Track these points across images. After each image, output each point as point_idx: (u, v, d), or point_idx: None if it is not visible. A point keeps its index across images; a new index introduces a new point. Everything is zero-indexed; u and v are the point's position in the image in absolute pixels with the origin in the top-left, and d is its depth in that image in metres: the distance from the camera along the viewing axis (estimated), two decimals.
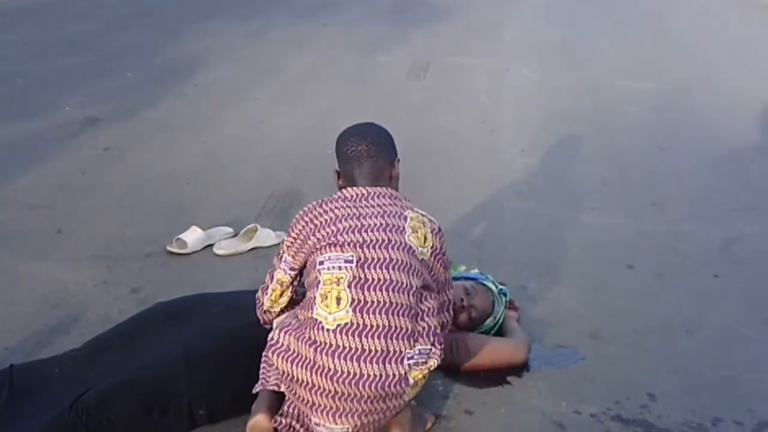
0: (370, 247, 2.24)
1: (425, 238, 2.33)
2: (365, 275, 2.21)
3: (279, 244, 3.51)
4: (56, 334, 2.89)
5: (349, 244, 2.24)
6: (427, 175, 4.39)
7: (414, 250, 2.29)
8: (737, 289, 3.30)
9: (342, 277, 2.21)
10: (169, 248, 3.52)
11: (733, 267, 3.47)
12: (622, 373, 2.73)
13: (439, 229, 2.42)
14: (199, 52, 6.84)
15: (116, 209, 3.94)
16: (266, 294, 2.44)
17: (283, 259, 2.41)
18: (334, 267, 2.22)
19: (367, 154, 2.38)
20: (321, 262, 2.25)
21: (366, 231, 2.27)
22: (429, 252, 2.34)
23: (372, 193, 2.36)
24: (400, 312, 2.20)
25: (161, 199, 4.05)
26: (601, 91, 6.04)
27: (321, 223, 2.31)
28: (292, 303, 2.44)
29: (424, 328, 2.24)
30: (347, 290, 2.19)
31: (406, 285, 2.23)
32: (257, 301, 2.48)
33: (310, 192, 4.06)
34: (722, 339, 2.94)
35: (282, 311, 2.45)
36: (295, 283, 2.43)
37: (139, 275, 3.34)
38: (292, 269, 2.39)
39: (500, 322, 2.87)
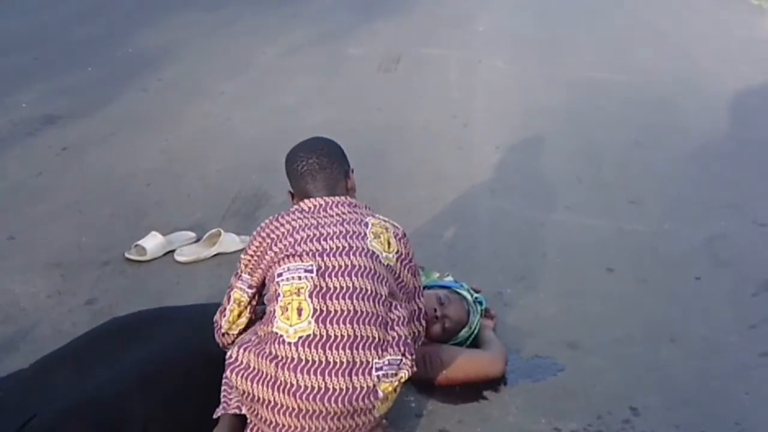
0: (331, 255, 2.14)
1: (389, 243, 2.24)
2: (327, 284, 2.11)
3: (242, 250, 3.38)
4: (5, 351, 2.72)
5: (307, 254, 2.14)
6: (399, 173, 4.25)
7: (378, 256, 2.19)
8: (721, 292, 3.17)
9: (302, 287, 2.10)
10: (127, 255, 3.35)
11: (715, 269, 3.35)
12: (603, 385, 2.60)
13: (404, 234, 2.32)
14: (163, 45, 6.62)
15: (73, 213, 3.76)
16: (224, 316, 2.30)
17: (240, 277, 2.28)
18: (293, 278, 2.12)
19: (320, 166, 2.31)
20: (279, 274, 2.14)
21: (325, 239, 2.17)
22: (394, 257, 2.24)
23: (330, 203, 2.27)
24: (367, 321, 2.08)
25: (120, 202, 3.87)
26: (575, 84, 5.90)
27: (278, 236, 2.21)
28: (252, 324, 2.30)
29: (393, 338, 2.13)
30: (308, 300, 2.08)
31: (371, 292, 2.12)
32: (215, 324, 2.34)
33: (276, 193, 3.89)
34: (707, 347, 2.82)
35: (241, 333, 2.30)
36: (254, 302, 2.30)
37: (95, 285, 3.17)
38: (250, 287, 2.27)
39: (475, 332, 2.73)
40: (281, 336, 2.06)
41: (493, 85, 5.85)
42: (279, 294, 2.11)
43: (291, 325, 2.06)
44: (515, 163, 4.42)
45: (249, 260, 2.26)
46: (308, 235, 2.18)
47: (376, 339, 2.09)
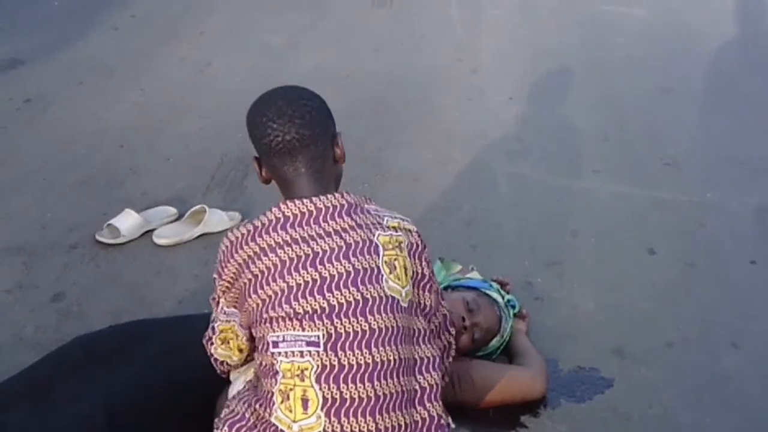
0: (342, 315, 1.59)
1: (405, 270, 1.68)
2: (339, 360, 1.58)
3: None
4: None
5: (311, 317, 1.59)
6: (402, 130, 3.79)
7: (397, 301, 1.65)
8: None
9: (306, 368, 1.57)
10: (98, 237, 2.93)
11: None
12: (660, 406, 2.22)
13: (419, 244, 1.76)
14: None
15: (37, 182, 3.33)
16: (212, 344, 1.84)
17: (222, 308, 1.78)
18: (293, 353, 1.59)
19: (301, 143, 1.69)
20: (275, 343, 1.61)
21: (330, 288, 1.61)
22: (412, 287, 1.70)
23: (323, 211, 1.67)
24: (392, 406, 1.60)
25: (90, 167, 3.43)
26: (588, 19, 5.37)
27: (263, 272, 1.63)
28: (252, 352, 1.83)
29: (424, 420, 1.65)
30: (315, 387, 1.57)
31: (395, 363, 1.61)
32: (207, 345, 1.87)
33: None
34: None
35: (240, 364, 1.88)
36: (249, 343, 1.80)
37: (62, 275, 2.76)
38: (241, 327, 1.76)
39: (507, 340, 2.34)
40: (282, 431, 1.58)
41: (499, 22, 5.32)
42: (277, 371, 1.60)
43: (294, 420, 1.56)
44: (532, 117, 3.96)
45: (227, 288, 1.72)
46: (306, 283, 1.61)
47: (402, 427, 1.62)
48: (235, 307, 1.74)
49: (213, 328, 1.82)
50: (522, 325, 2.43)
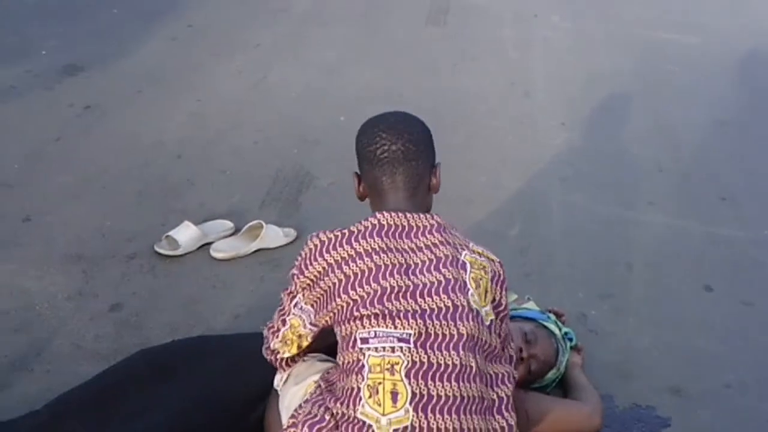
0: (433, 317, 1.66)
1: (486, 292, 1.76)
2: (428, 359, 1.63)
3: (286, 246, 2.99)
4: (17, 371, 2.38)
5: (404, 316, 1.65)
6: (455, 152, 3.77)
7: (480, 316, 1.71)
8: None
9: (397, 363, 1.62)
10: (157, 248, 2.97)
11: None
12: None
13: (501, 274, 1.82)
14: None
15: (96, 190, 3.37)
16: (276, 337, 1.89)
17: (295, 303, 1.83)
18: (384, 348, 1.63)
19: (405, 156, 1.79)
20: (364, 339, 1.65)
21: (422, 295, 1.68)
22: (491, 310, 1.76)
23: (415, 228, 1.76)
24: (473, 409, 1.64)
25: (148, 178, 3.47)
26: (640, 45, 5.36)
27: (356, 274, 1.70)
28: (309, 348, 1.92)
29: (503, 428, 1.70)
30: (405, 381, 1.61)
31: (476, 371, 1.66)
32: (264, 340, 1.94)
33: (320, 173, 3.50)
34: None
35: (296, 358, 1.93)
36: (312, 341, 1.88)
37: (120, 285, 2.80)
38: (313, 325, 1.82)
39: (563, 373, 2.34)
40: (369, 426, 1.59)
41: (552, 45, 5.33)
42: (364, 366, 1.63)
43: (384, 414, 1.59)
44: (585, 144, 3.95)
45: (308, 284, 1.78)
46: (399, 287, 1.67)
47: (481, 431, 1.66)
48: (312, 305, 1.79)
49: (284, 321, 1.86)
50: (578, 358, 2.42)
